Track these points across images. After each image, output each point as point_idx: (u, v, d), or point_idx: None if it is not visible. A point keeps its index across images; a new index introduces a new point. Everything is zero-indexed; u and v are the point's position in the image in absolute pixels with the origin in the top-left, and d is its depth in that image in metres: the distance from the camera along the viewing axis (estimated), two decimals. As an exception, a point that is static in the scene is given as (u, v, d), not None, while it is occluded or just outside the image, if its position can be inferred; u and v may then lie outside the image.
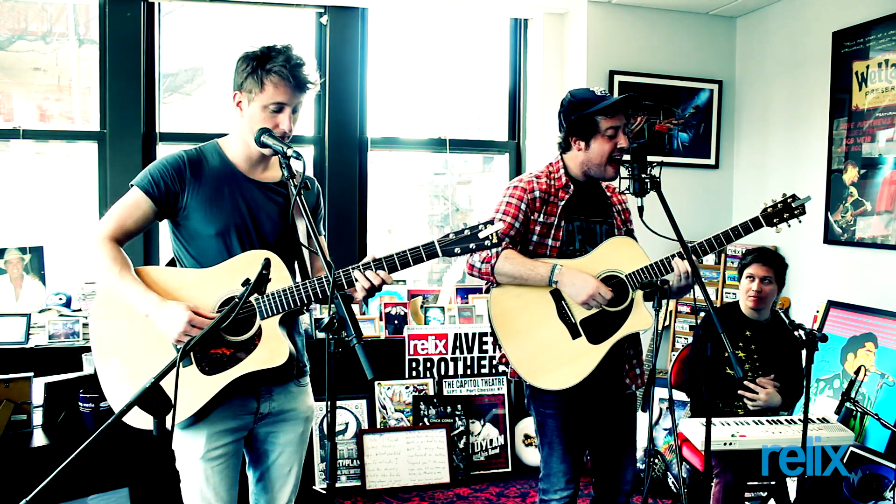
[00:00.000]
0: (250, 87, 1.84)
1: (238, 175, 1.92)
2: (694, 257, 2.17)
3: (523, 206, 2.30)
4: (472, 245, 1.79)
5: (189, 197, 1.87)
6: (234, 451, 1.91)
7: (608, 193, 2.45)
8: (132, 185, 1.87)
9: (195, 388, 1.80)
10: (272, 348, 1.82)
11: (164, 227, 1.99)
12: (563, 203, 2.32)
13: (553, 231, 2.31)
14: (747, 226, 2.26)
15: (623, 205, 2.49)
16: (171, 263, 1.97)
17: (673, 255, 2.22)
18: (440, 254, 1.80)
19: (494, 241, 1.80)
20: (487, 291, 2.33)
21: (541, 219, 2.31)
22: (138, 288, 1.80)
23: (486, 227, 1.80)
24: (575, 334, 2.25)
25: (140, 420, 1.78)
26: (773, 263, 2.94)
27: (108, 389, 1.86)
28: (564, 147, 2.37)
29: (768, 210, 2.28)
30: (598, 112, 2.25)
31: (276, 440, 1.99)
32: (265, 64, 1.82)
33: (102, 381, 1.87)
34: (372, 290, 1.80)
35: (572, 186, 2.34)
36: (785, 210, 2.27)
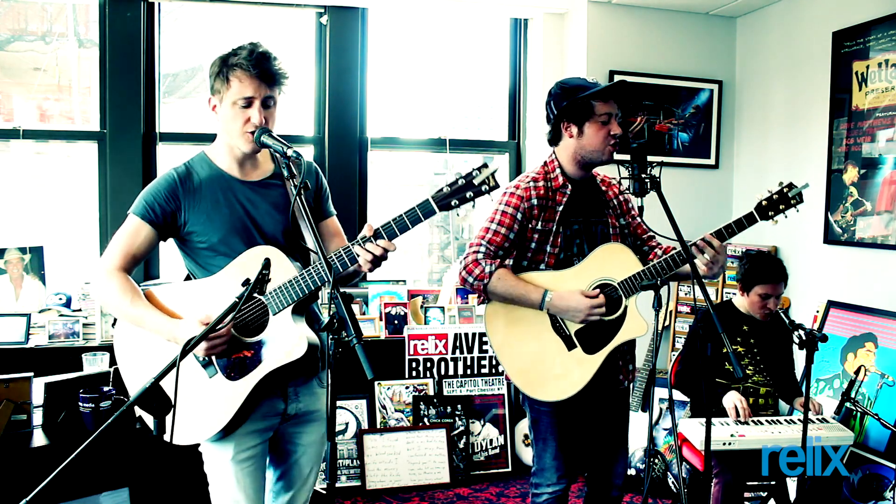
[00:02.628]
0: (218, 88, 1.84)
1: (230, 180, 1.91)
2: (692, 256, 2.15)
3: (519, 216, 2.24)
4: (468, 193, 1.75)
5: (187, 212, 1.87)
6: (262, 451, 1.92)
7: (603, 188, 2.39)
8: (129, 214, 1.88)
9: (225, 396, 1.81)
10: (290, 341, 1.81)
11: (163, 243, 1.99)
12: (561, 208, 2.26)
13: (552, 238, 2.26)
14: (741, 222, 2.16)
15: (620, 197, 2.42)
16: (188, 279, 1.98)
17: (674, 255, 2.18)
18: (437, 210, 1.77)
19: (492, 184, 1.74)
20: (482, 303, 2.30)
21: (539, 226, 2.26)
22: (151, 314, 1.82)
23: (479, 172, 1.75)
24: (570, 345, 2.24)
25: (180, 436, 1.80)
26: (784, 276, 2.90)
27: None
28: (554, 137, 2.32)
29: (762, 203, 2.17)
30: (593, 96, 2.21)
31: (299, 440, 2.00)
32: (228, 61, 1.81)
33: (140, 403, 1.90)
34: (376, 261, 1.78)
35: (570, 187, 2.29)
36: (781, 200, 2.16)
